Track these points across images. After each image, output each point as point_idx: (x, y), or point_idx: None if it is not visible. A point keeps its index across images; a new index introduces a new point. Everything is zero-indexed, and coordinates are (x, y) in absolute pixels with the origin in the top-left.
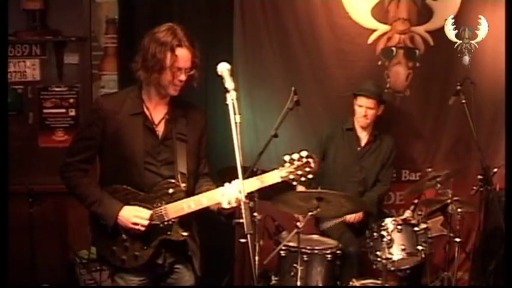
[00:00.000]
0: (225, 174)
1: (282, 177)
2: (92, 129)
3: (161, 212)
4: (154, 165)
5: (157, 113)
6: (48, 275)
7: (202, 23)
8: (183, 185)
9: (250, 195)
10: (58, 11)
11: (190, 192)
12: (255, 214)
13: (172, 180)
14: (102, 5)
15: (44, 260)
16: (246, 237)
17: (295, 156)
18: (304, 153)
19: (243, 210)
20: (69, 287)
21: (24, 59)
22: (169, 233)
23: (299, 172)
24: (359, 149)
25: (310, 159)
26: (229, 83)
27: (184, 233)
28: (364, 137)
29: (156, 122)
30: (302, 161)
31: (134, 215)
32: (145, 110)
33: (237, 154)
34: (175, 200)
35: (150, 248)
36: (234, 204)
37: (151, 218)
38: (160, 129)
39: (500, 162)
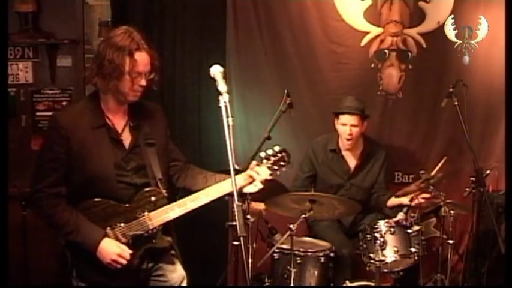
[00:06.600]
0: None
1: None
2: (54, 149)
3: (145, 220)
4: (125, 176)
5: (120, 121)
6: (41, 277)
7: (195, 25)
8: (164, 191)
9: (243, 198)
10: (51, 14)
11: (170, 198)
12: (248, 216)
13: (153, 188)
14: (94, 7)
15: (37, 263)
16: (239, 240)
17: (270, 152)
18: (277, 148)
19: (236, 213)
20: None
21: (17, 62)
22: (154, 241)
23: (275, 167)
24: (350, 171)
25: (283, 153)
26: (222, 86)
27: (168, 238)
28: (351, 159)
29: (120, 132)
30: (277, 156)
31: (116, 253)
32: (108, 121)
33: (230, 157)
34: (159, 207)
35: (135, 258)
36: (261, 178)
37: (131, 259)
38: (125, 139)
39: (493, 164)
